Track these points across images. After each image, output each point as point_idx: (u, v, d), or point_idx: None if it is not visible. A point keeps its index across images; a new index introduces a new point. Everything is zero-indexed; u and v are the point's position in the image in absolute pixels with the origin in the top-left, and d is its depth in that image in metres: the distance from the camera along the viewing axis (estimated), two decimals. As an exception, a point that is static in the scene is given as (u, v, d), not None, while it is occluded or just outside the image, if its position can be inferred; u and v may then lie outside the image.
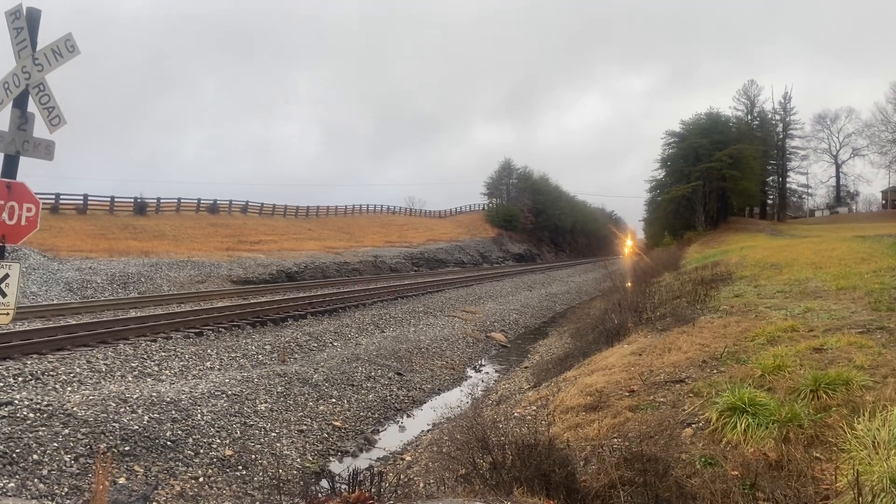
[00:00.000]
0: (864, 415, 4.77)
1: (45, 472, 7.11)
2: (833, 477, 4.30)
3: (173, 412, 9.50)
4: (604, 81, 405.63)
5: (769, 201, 75.82)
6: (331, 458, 10.31)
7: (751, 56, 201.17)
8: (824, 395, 5.88)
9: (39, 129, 5.63)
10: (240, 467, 8.84)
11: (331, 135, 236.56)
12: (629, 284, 26.92)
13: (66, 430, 7.98)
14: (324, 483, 7.00)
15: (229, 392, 11.13)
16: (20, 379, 10.49)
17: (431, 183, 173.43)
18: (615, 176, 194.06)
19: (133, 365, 12.46)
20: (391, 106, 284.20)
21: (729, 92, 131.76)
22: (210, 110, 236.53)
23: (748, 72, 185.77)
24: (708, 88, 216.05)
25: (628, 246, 51.54)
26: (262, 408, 11.10)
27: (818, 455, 5.01)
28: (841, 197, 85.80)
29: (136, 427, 8.63)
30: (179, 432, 9.03)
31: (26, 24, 5.58)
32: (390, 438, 11.69)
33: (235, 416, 10.35)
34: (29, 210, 5.55)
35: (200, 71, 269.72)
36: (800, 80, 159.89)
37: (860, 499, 3.49)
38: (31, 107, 5.66)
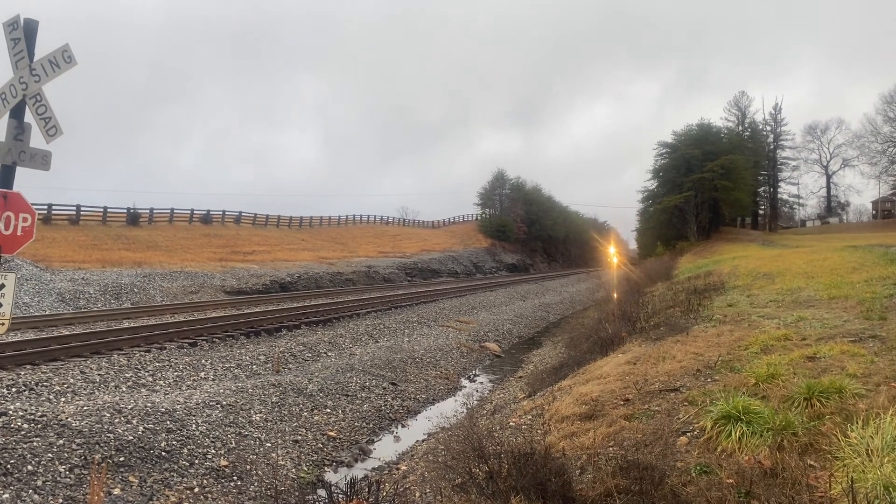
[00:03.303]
0: (857, 422, 4.81)
1: (39, 482, 7.06)
2: (828, 484, 4.34)
3: (168, 422, 9.46)
4: (612, 89, 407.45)
5: (760, 212, 76.39)
6: (326, 469, 10.26)
7: (762, 65, 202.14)
8: (818, 404, 5.92)
9: (36, 140, 5.66)
10: (235, 478, 8.79)
11: (331, 144, 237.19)
12: (615, 295, 26.92)
13: (61, 441, 7.94)
14: (321, 492, 6.98)
15: (224, 402, 11.09)
16: (14, 389, 10.43)
17: (428, 193, 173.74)
18: (619, 184, 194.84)
19: (127, 375, 12.40)
20: (393, 115, 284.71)
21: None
22: (208, 119, 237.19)
23: (759, 80, 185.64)
24: (718, 96, 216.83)
25: (611, 254, 50.37)
26: (257, 418, 11.06)
27: (813, 463, 5.04)
28: (832, 207, 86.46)
29: (131, 437, 8.59)
30: (174, 443, 8.99)
31: (23, 35, 5.62)
32: (385, 448, 11.65)
33: (230, 426, 10.31)
34: (25, 220, 5.57)
35: (200, 80, 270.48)
36: (812, 86, 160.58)
37: (854, 505, 3.52)
38: (28, 117, 5.69)
